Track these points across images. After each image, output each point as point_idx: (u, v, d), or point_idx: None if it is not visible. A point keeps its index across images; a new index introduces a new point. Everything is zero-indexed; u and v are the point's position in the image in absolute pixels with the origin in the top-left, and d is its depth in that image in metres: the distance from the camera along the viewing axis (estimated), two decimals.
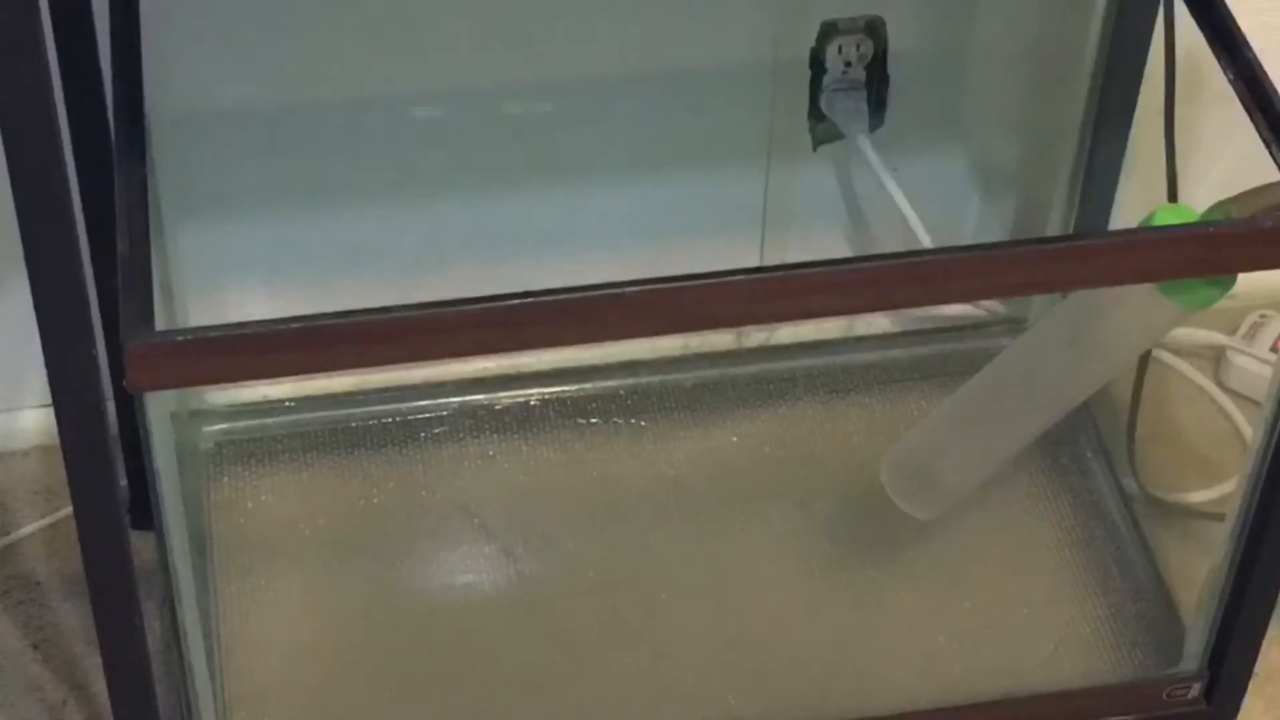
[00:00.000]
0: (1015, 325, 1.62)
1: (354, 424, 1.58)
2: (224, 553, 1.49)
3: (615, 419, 1.59)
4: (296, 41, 1.39)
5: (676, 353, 1.62)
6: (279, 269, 1.52)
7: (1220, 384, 1.70)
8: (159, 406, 1.14)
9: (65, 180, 1.04)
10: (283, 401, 1.58)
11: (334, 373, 1.13)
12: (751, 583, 1.49)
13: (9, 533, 1.58)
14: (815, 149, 1.54)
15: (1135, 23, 1.46)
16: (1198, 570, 1.45)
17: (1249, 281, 1.21)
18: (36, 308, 1.08)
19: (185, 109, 1.38)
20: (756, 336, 1.64)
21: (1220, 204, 1.18)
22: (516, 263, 1.52)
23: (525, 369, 1.59)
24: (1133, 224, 1.23)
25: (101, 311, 1.24)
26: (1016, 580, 1.50)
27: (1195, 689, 1.40)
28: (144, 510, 1.18)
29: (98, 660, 1.28)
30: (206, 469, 1.54)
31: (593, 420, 1.58)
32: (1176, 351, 1.71)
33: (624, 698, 1.44)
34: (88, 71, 1.30)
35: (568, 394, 1.59)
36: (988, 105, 1.56)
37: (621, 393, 1.60)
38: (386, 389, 1.59)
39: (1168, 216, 1.20)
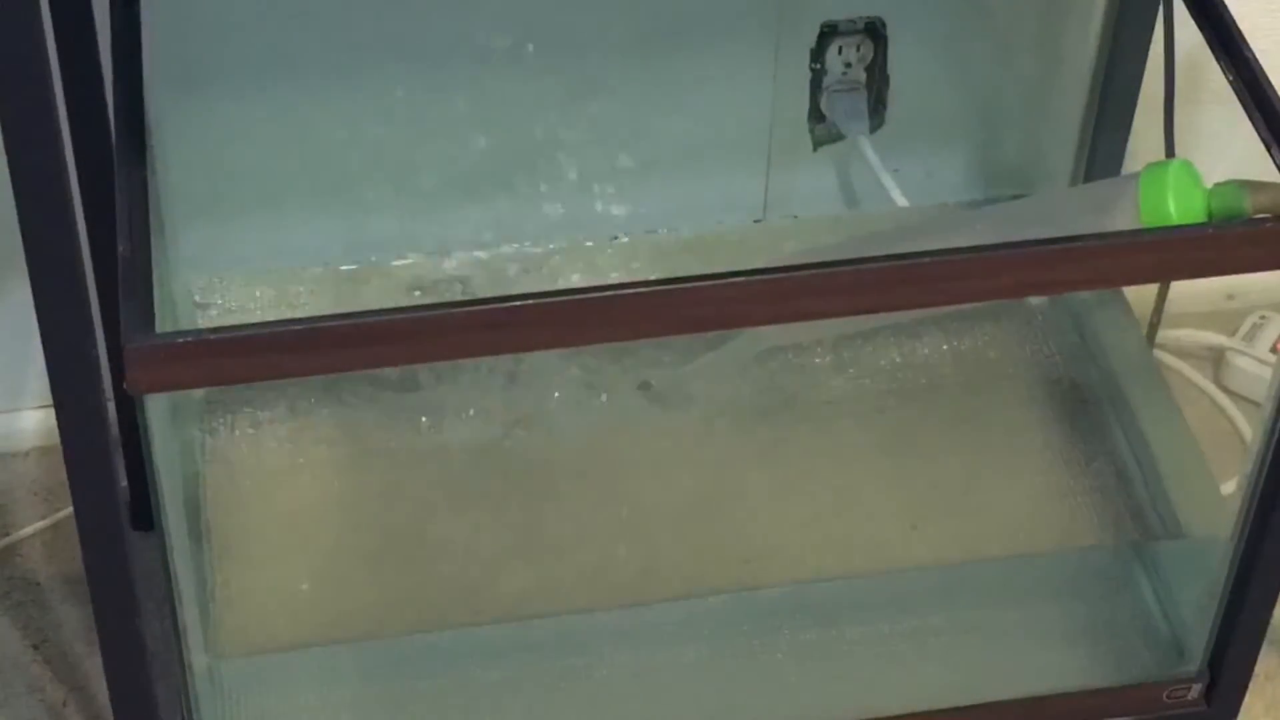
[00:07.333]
0: None
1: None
2: (219, 516, 1.47)
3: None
4: (297, 42, 1.39)
5: None
6: (279, 269, 1.52)
7: (1220, 385, 1.70)
8: (159, 406, 1.14)
9: (65, 180, 1.04)
10: None
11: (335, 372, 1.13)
12: (756, 521, 1.48)
13: (9, 533, 1.58)
14: (815, 149, 1.54)
15: (1135, 23, 1.46)
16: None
17: (1249, 281, 1.21)
18: (37, 308, 1.08)
19: (185, 109, 1.38)
20: None
21: (1227, 185, 1.17)
22: (516, 263, 1.52)
23: None
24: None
25: (101, 312, 1.24)
26: (1017, 578, 1.50)
27: (1195, 690, 1.40)
28: (144, 510, 1.18)
29: (98, 660, 1.28)
30: (200, 416, 1.53)
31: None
32: (1176, 352, 1.71)
33: (608, 577, 1.42)
34: (88, 71, 1.30)
35: None
36: (987, 106, 1.56)
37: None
38: None
39: (1162, 173, 1.19)
